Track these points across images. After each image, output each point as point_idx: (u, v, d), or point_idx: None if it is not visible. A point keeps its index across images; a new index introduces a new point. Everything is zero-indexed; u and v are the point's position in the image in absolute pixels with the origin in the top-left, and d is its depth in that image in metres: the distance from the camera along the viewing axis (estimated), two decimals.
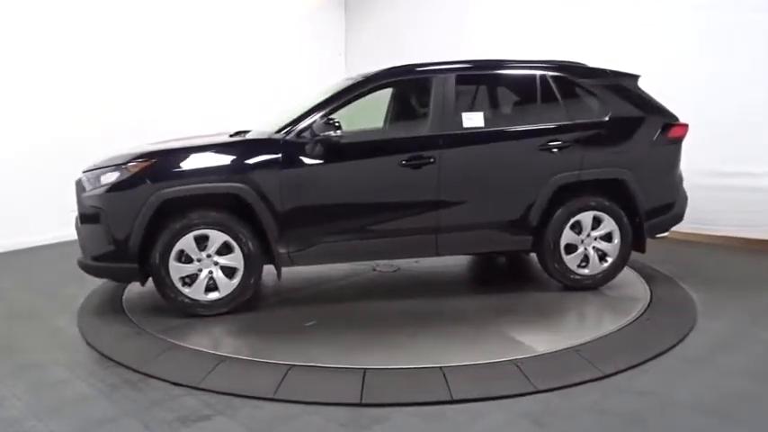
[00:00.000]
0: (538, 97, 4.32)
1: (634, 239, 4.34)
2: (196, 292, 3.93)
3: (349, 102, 4.12)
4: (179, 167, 3.89)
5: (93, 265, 4.00)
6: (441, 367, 3.14)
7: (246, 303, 4.15)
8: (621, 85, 4.40)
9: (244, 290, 3.99)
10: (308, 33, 9.05)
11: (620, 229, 4.29)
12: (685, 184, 4.65)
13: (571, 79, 4.32)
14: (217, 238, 3.88)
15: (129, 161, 3.88)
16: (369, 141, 4.29)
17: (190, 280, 3.93)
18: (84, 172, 4.08)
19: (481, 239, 4.28)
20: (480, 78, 4.50)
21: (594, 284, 4.36)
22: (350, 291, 4.69)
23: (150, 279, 3.98)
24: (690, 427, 2.63)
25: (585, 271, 4.34)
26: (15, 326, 4.01)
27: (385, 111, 4.88)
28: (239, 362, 3.32)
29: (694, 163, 4.81)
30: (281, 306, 4.33)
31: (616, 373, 3.10)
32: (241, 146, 4.05)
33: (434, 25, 8.19)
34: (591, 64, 4.53)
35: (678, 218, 4.57)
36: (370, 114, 4.86)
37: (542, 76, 4.30)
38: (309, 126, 3.95)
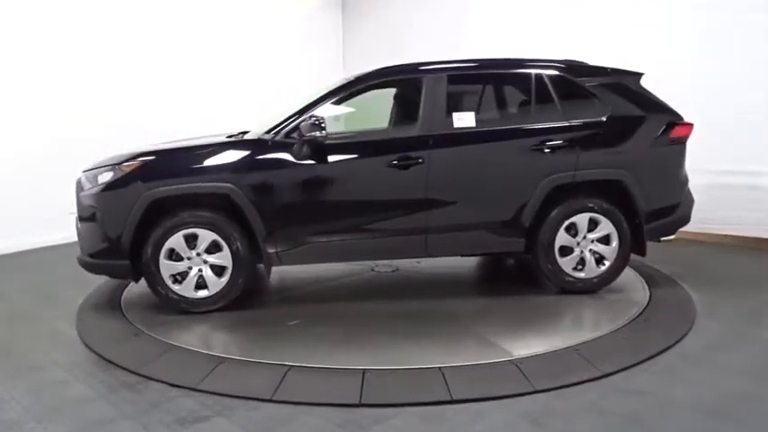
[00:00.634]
0: (532, 97, 4.27)
1: (634, 242, 4.25)
2: (186, 290, 4.01)
3: (338, 102, 4.13)
4: (169, 168, 4.02)
5: (89, 262, 4.10)
6: (440, 368, 3.13)
7: (246, 303, 4.18)
8: (622, 84, 4.31)
9: (232, 288, 4.05)
10: (306, 34, 9.07)
11: (617, 231, 4.19)
12: None
13: (568, 78, 4.26)
14: (206, 236, 3.97)
15: (123, 161, 3.99)
16: (355, 142, 4.28)
17: (180, 277, 4.02)
18: (83, 171, 4.18)
19: (472, 241, 4.23)
20: (473, 78, 4.47)
21: (590, 288, 4.27)
22: (348, 291, 4.69)
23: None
24: (689, 426, 2.63)
25: (581, 274, 4.24)
26: (14, 327, 4.01)
27: (389, 111, 4.88)
28: (238, 363, 3.31)
29: (693, 162, 4.78)
30: (279, 305, 4.33)
31: (615, 373, 3.09)
32: (230, 146, 4.10)
33: (433, 25, 8.20)
34: (592, 63, 4.49)
35: (683, 221, 4.43)
36: (379, 115, 4.89)
37: (538, 75, 4.24)
38: (297, 127, 3.97)
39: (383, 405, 2.83)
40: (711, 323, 3.83)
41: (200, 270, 4.02)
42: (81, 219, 4.12)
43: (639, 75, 4.40)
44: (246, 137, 4.21)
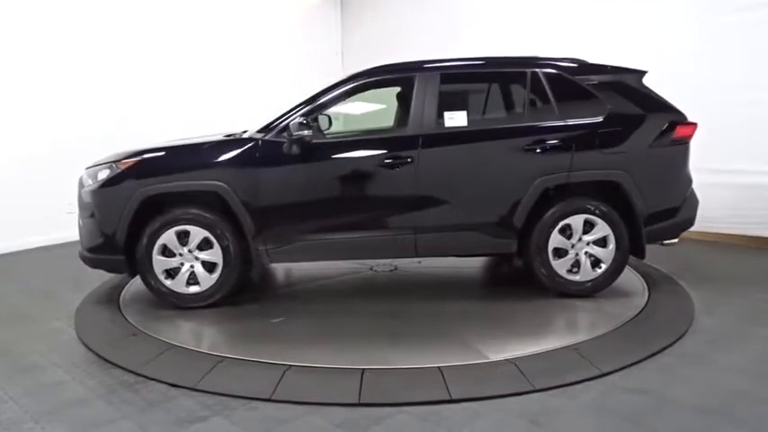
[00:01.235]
0: (527, 95, 4.19)
1: (633, 245, 4.14)
2: (177, 285, 4.10)
3: (328, 102, 4.14)
4: (162, 165, 4.11)
5: (88, 257, 4.24)
6: (439, 367, 3.13)
7: (245, 301, 4.21)
8: (622, 82, 4.19)
9: (223, 284, 4.11)
10: (305, 32, 9.06)
11: (614, 233, 4.08)
12: None
13: (565, 76, 4.16)
14: (197, 233, 4.04)
15: (120, 159, 4.10)
16: (343, 141, 4.29)
17: (173, 273, 4.11)
18: (85, 168, 4.31)
19: (462, 241, 4.18)
20: (467, 77, 4.44)
21: (584, 292, 4.16)
22: (347, 289, 4.69)
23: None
24: (688, 425, 2.63)
25: (576, 277, 4.15)
26: (12, 328, 4.00)
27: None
28: (237, 362, 3.30)
29: (693, 160, 4.78)
30: (277, 304, 4.32)
31: (614, 372, 3.09)
32: (222, 145, 4.16)
33: (432, 23, 8.19)
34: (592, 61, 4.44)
35: (686, 224, 4.29)
36: (387, 115, 4.90)
37: (534, 74, 4.16)
38: (287, 126, 3.99)
39: (382, 404, 2.83)
40: (710, 322, 3.83)
41: (191, 266, 4.10)
42: (81, 214, 4.25)
43: (642, 72, 4.27)
44: (240, 136, 4.25)
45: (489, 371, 3.13)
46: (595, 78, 4.18)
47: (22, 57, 6.22)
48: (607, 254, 4.13)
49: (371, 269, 5.11)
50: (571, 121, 4.09)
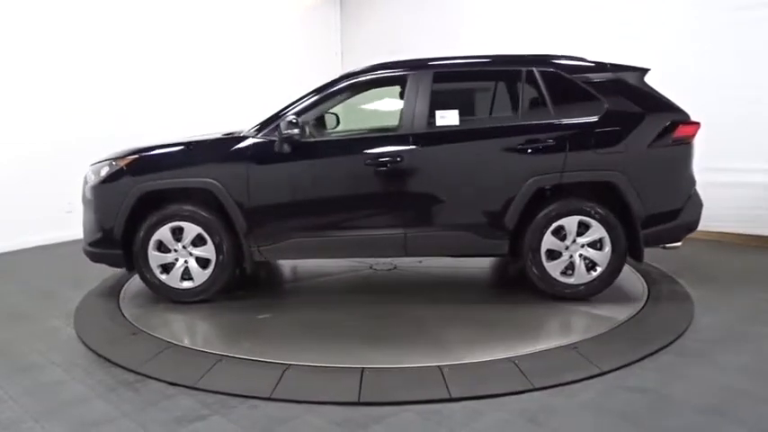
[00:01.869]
0: (521, 94, 4.12)
1: (631, 248, 4.04)
2: (172, 280, 4.18)
3: (320, 101, 4.16)
4: (158, 163, 4.21)
5: (89, 251, 4.35)
6: (439, 366, 3.13)
7: (244, 299, 4.24)
8: (622, 80, 4.08)
9: (216, 280, 4.17)
10: (305, 31, 9.05)
11: (610, 236, 3.97)
12: None
13: (561, 74, 4.06)
14: (191, 230, 4.12)
15: (119, 156, 4.22)
16: (332, 140, 4.34)
17: (168, 268, 4.19)
18: (90, 165, 4.41)
19: (452, 242, 4.12)
20: (461, 75, 4.40)
21: (578, 295, 4.06)
22: (346, 288, 4.70)
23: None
24: (687, 424, 2.63)
25: (570, 280, 4.05)
26: (11, 327, 3.99)
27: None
28: (236, 361, 3.30)
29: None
30: (275, 302, 4.32)
31: (614, 371, 3.09)
32: (216, 143, 4.25)
33: (431, 22, 8.18)
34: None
35: (688, 226, 4.13)
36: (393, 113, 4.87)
37: (529, 72, 4.08)
38: (278, 125, 4.01)
39: (382, 403, 2.83)
40: (710, 320, 3.83)
41: (185, 262, 4.17)
42: (84, 210, 4.37)
43: (643, 70, 4.16)
44: (234, 135, 4.29)
45: (489, 370, 3.13)
46: (594, 77, 4.07)
47: (23, 57, 6.20)
48: (602, 257, 4.02)
49: (371, 267, 5.10)
50: (565, 121, 4.00)
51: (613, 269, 4.05)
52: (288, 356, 3.29)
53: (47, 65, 6.36)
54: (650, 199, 3.99)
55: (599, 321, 3.80)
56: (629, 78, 4.13)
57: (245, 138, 4.13)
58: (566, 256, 4.06)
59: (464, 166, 4.03)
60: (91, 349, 3.56)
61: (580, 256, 4.05)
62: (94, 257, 4.35)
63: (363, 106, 4.94)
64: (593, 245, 4.04)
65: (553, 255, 4.06)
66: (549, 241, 4.03)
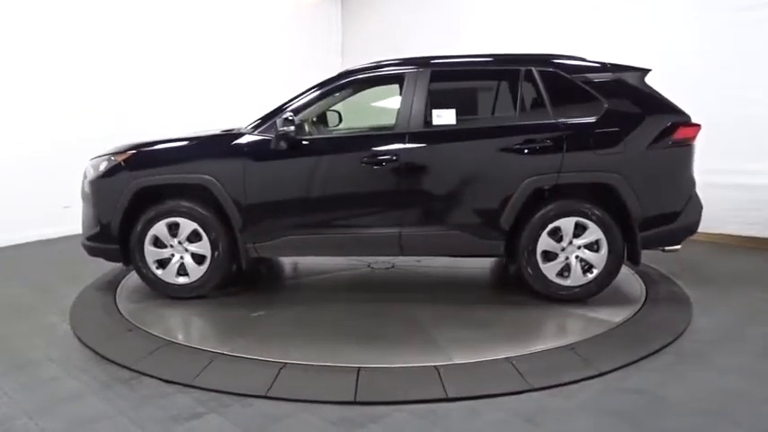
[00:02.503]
0: (519, 94, 4.08)
1: (629, 250, 4.02)
2: (168, 276, 4.21)
3: (318, 98, 4.18)
4: (155, 159, 4.21)
5: (87, 245, 4.39)
6: (435, 366, 3.12)
7: (241, 298, 4.24)
8: (622, 81, 4.04)
9: (212, 276, 4.19)
10: (306, 30, 9.04)
11: (606, 238, 3.92)
12: None
13: (561, 74, 4.03)
14: (187, 226, 4.14)
15: (118, 152, 4.23)
16: (328, 138, 4.34)
17: (164, 263, 4.22)
18: (90, 160, 4.42)
19: (447, 241, 4.08)
20: (459, 74, 4.38)
21: (574, 297, 4.02)
22: (343, 286, 4.69)
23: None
24: (685, 425, 2.62)
25: (566, 282, 4.01)
26: (7, 323, 3.98)
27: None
28: (232, 359, 3.29)
29: None
30: (273, 300, 4.31)
31: (611, 372, 3.09)
32: (213, 140, 4.26)
33: (432, 21, 8.17)
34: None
35: (687, 229, 4.08)
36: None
37: (527, 72, 4.06)
38: (274, 123, 4.02)
39: (378, 403, 2.82)
40: (708, 321, 3.82)
41: (181, 258, 4.19)
42: (83, 204, 4.40)
43: (644, 71, 4.11)
44: (231, 132, 4.29)
45: (486, 370, 3.12)
46: (594, 77, 4.03)
47: (23, 57, 6.20)
48: (599, 258, 3.97)
49: (369, 266, 5.09)
50: (563, 121, 3.96)
51: (610, 271, 4.00)
52: (284, 355, 3.28)
53: (47, 64, 6.37)
54: (649, 201, 3.94)
55: (597, 322, 3.79)
56: (630, 79, 4.09)
57: (242, 134, 4.13)
58: (562, 257, 4.03)
59: (460, 166, 4.01)
60: (87, 346, 3.54)
61: (576, 257, 4.02)
62: (92, 252, 4.37)
63: (363, 104, 4.92)
64: (589, 246, 4.00)
65: (549, 256, 4.03)
66: (544, 242, 4.00)
